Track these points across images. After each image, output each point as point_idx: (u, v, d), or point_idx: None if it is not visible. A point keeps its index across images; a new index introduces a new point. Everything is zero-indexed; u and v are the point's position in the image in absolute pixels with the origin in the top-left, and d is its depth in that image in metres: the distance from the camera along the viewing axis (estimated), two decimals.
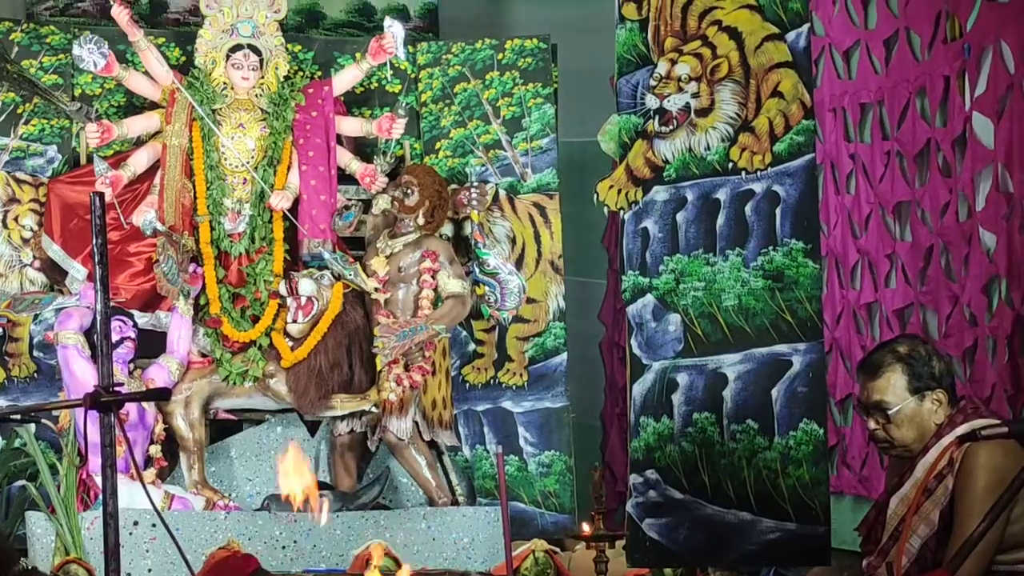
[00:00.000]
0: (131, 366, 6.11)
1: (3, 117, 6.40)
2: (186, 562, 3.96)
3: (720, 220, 5.82)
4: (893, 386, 4.38)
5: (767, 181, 5.80)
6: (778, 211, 5.79)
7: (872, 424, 4.44)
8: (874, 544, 4.49)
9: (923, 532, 4.28)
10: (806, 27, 5.77)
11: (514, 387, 6.70)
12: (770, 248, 5.78)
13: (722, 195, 5.82)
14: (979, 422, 4.27)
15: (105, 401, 3.44)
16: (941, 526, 4.25)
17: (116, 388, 3.51)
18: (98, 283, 3.54)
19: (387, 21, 6.46)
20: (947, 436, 4.32)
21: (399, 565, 5.54)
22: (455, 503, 6.21)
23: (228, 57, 6.35)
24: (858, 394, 4.57)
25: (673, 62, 5.82)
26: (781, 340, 5.77)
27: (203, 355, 6.27)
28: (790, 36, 5.76)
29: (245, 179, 6.33)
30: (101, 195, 3.62)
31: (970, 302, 6.20)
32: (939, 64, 6.39)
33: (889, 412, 4.37)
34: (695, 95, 5.82)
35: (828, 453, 6.08)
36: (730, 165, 5.82)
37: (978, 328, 6.17)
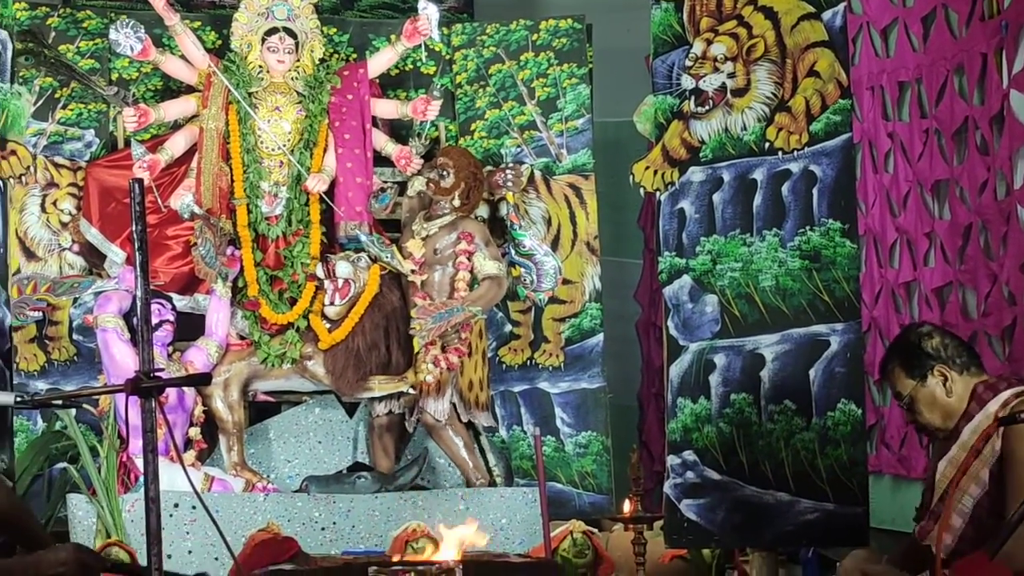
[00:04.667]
0: (170, 349, 6.14)
1: (41, 102, 6.43)
2: (226, 544, 3.99)
3: (757, 200, 5.80)
4: (898, 378, 4.69)
5: (804, 161, 5.78)
6: (815, 191, 5.77)
7: (906, 413, 4.73)
8: (926, 510, 4.54)
9: (974, 491, 4.39)
10: (842, 6, 5.74)
11: (550, 368, 6.71)
12: (807, 228, 5.77)
13: (759, 175, 5.80)
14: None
15: (146, 387, 3.47)
16: (992, 484, 4.32)
17: (156, 373, 3.54)
18: (138, 269, 3.56)
19: (421, 3, 6.46)
20: (992, 402, 4.47)
21: (438, 548, 5.55)
22: (492, 484, 6.22)
23: (264, 40, 6.36)
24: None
25: (709, 42, 5.80)
26: (819, 320, 5.75)
27: (241, 337, 6.30)
28: (826, 15, 5.73)
29: (281, 162, 6.34)
30: (140, 181, 3.64)
31: (1008, 280, 6.16)
32: (977, 41, 6.34)
33: (902, 403, 4.68)
34: (731, 75, 5.81)
35: (866, 433, 6.07)
36: (767, 145, 5.80)
37: (1016, 307, 6.13)
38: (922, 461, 6.62)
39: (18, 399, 4.32)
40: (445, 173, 6.25)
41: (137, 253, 3.58)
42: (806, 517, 5.73)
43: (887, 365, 4.74)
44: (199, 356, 6.15)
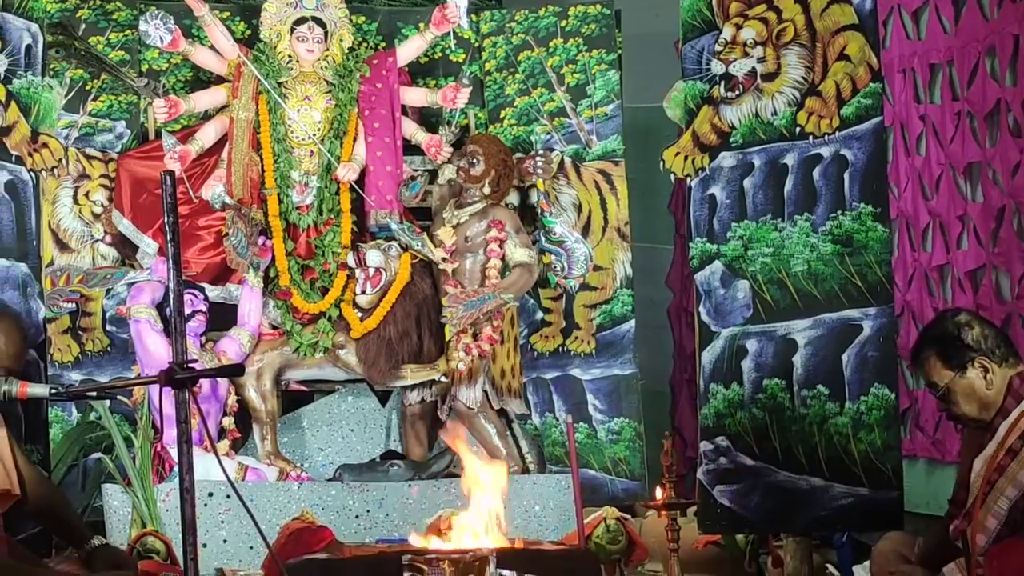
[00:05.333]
0: (203, 339, 6.16)
1: (72, 94, 6.46)
2: (260, 533, 4.01)
3: (788, 185, 5.79)
4: (934, 368, 4.53)
5: (835, 145, 5.77)
6: (846, 175, 5.76)
7: (940, 404, 4.61)
8: (959, 507, 4.50)
9: (1011, 493, 4.33)
10: None
11: (582, 354, 6.70)
12: (839, 212, 5.76)
13: (790, 160, 5.79)
14: None
15: (180, 378, 3.48)
16: None
17: (190, 364, 3.56)
18: (170, 261, 3.58)
19: None
20: None
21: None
22: (525, 471, 6.22)
23: (293, 30, 6.37)
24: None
25: (738, 27, 5.79)
26: (851, 305, 5.75)
27: (274, 327, 6.32)
28: None
29: (312, 151, 6.35)
30: (172, 173, 3.66)
31: None
32: (1008, 23, 6.31)
33: (937, 394, 4.53)
34: (761, 60, 5.79)
35: (900, 417, 6.05)
36: (797, 130, 5.78)
37: None
38: (956, 444, 6.59)
39: (53, 391, 4.36)
40: (475, 161, 6.24)
41: (169, 245, 3.60)
42: (840, 502, 5.73)
43: (922, 354, 4.59)
44: (232, 346, 6.17)
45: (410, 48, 6.55)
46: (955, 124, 6.67)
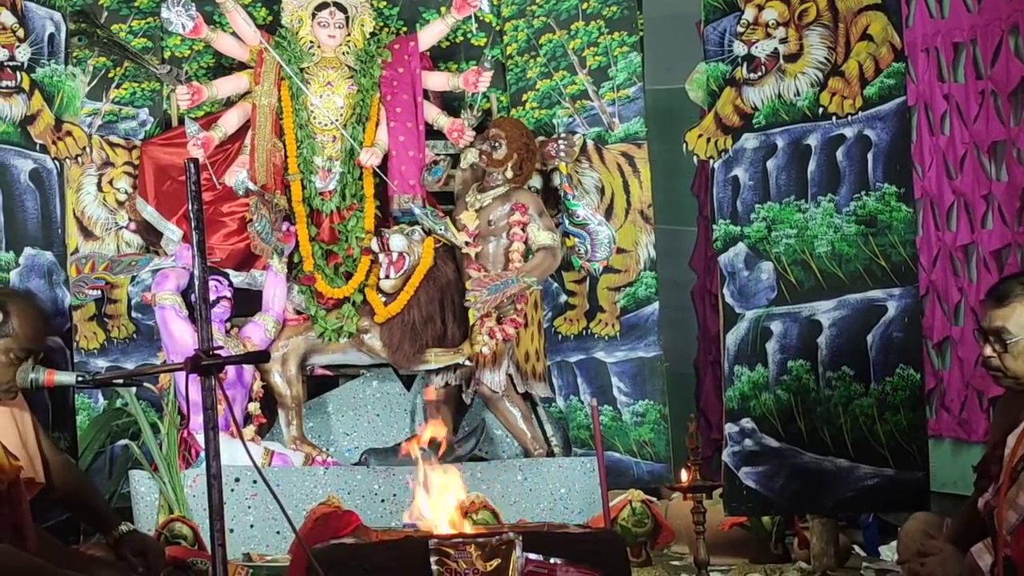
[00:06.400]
0: (228, 325, 6.18)
1: (95, 82, 6.47)
2: (287, 518, 4.02)
3: (811, 166, 5.78)
4: (1017, 316, 4.34)
5: (858, 125, 5.75)
6: (870, 155, 5.75)
7: (988, 351, 4.41)
8: (988, 481, 4.46)
9: None
10: None
11: (606, 337, 6.70)
12: (863, 193, 5.75)
13: (813, 141, 5.78)
14: None
15: (206, 365, 3.49)
16: None
17: (216, 351, 3.57)
18: (195, 249, 3.59)
19: None
20: None
21: (497, 518, 5.58)
22: (551, 454, 6.23)
23: (314, 16, 6.37)
24: (980, 319, 4.57)
25: (760, 8, 5.77)
26: (875, 285, 5.74)
27: (298, 312, 6.33)
28: None
29: (334, 137, 6.36)
30: (196, 161, 3.66)
31: None
32: None
33: (1008, 341, 4.34)
34: (783, 40, 5.77)
35: (925, 397, 6.04)
36: (820, 110, 5.77)
37: None
38: (982, 424, 6.58)
39: (79, 379, 4.37)
40: (497, 144, 6.24)
41: (194, 233, 3.61)
42: (866, 483, 5.73)
43: (1009, 298, 4.35)
44: (256, 332, 6.19)
45: (431, 32, 6.54)
46: (979, 103, 6.65)
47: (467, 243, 6.25)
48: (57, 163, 5.69)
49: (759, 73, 5.78)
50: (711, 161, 5.84)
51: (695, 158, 5.91)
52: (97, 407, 6.33)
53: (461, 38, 6.79)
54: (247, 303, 6.30)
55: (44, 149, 5.64)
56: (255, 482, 5.70)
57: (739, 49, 5.79)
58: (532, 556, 4.27)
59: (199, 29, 6.23)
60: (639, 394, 6.66)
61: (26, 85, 5.60)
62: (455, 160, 6.51)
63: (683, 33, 7.57)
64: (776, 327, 5.78)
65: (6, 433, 4.42)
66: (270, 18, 6.65)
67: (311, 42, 6.38)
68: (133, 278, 6.41)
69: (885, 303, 5.74)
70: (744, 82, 5.79)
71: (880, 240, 5.74)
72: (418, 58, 6.48)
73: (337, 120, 6.35)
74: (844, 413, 5.73)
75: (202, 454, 5.75)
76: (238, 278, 6.30)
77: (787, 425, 5.75)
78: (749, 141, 5.81)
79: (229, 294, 6.16)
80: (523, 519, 5.85)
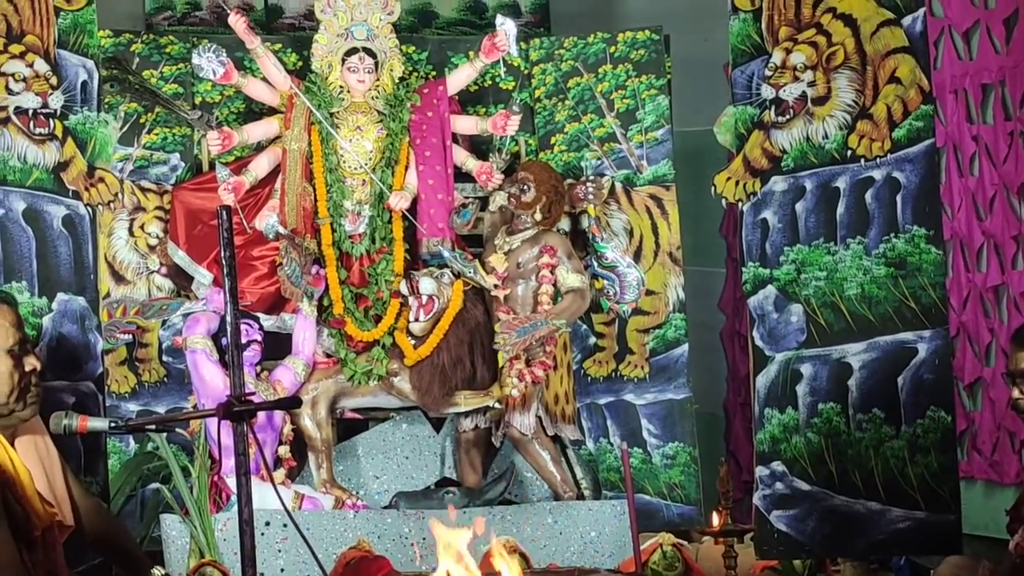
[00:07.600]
0: (258, 368, 6.20)
1: (127, 127, 6.52)
2: (318, 562, 4.03)
3: (840, 208, 5.79)
4: None
5: (887, 168, 5.76)
6: (899, 198, 5.75)
7: (1016, 393, 4.49)
8: (1020, 524, 4.46)
9: None
10: (922, 11, 5.72)
11: (636, 379, 6.70)
12: (892, 235, 5.75)
13: (841, 183, 5.79)
14: None
15: (238, 411, 3.51)
16: None
17: (248, 397, 3.58)
18: (227, 295, 3.61)
19: (499, 19, 6.47)
20: None
21: (527, 562, 5.56)
22: (580, 497, 6.22)
23: (344, 61, 6.41)
24: (1007, 362, 4.62)
25: (788, 51, 5.79)
26: (905, 328, 5.73)
27: (328, 355, 6.35)
28: (906, 21, 5.72)
29: (364, 181, 6.39)
30: (228, 208, 3.68)
31: None
32: None
33: None
34: (811, 84, 5.79)
35: (957, 439, 6.02)
36: (849, 153, 5.78)
37: None
38: (1014, 466, 6.55)
39: (112, 425, 4.38)
40: (526, 187, 6.26)
41: (226, 279, 3.62)
42: (897, 526, 5.70)
43: None
44: (287, 375, 6.21)
45: (460, 76, 6.58)
46: (1008, 144, 6.65)
47: (496, 286, 6.26)
48: (89, 209, 5.73)
49: (787, 116, 5.80)
50: (740, 204, 5.85)
51: (723, 201, 5.92)
52: (128, 451, 6.34)
53: (490, 82, 6.83)
54: (277, 346, 6.31)
55: (77, 195, 5.69)
56: (285, 526, 5.70)
57: (767, 92, 5.81)
58: None
59: (230, 75, 6.28)
60: (669, 436, 6.65)
61: (59, 132, 5.66)
62: (484, 203, 6.53)
63: (711, 76, 7.60)
64: (806, 369, 5.77)
65: (35, 477, 4.44)
66: (300, 63, 6.70)
67: (341, 87, 6.42)
68: (164, 322, 6.44)
69: (915, 345, 5.73)
70: (772, 125, 5.81)
71: (910, 282, 5.74)
72: (447, 102, 6.51)
73: (366, 164, 6.38)
74: (875, 456, 5.71)
75: (233, 498, 5.76)
76: (268, 321, 6.32)
77: (818, 468, 5.73)
78: (778, 184, 5.82)
79: (259, 338, 6.18)
80: (553, 563, 5.84)
